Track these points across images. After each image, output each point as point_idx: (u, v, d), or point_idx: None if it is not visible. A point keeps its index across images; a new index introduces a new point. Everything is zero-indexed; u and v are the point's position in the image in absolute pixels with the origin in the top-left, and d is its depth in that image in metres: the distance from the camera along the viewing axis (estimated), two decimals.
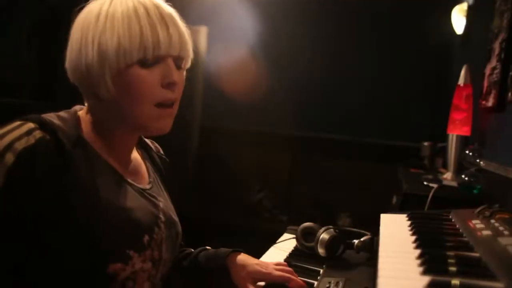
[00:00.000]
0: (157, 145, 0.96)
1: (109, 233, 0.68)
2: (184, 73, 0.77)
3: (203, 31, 3.01)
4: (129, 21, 0.67)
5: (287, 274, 0.87)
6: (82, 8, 0.72)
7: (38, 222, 0.63)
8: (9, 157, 0.61)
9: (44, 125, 0.66)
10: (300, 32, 3.18)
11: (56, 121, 0.69)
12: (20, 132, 0.64)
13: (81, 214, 0.65)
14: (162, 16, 0.69)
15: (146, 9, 0.68)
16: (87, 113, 0.75)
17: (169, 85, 0.71)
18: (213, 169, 3.25)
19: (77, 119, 0.73)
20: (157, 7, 0.70)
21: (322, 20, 3.15)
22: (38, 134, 0.64)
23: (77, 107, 0.77)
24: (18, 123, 0.65)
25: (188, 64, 0.78)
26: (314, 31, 3.15)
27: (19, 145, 0.62)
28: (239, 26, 3.24)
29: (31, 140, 0.63)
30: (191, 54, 0.76)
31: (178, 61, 0.73)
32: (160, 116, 0.72)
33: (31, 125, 0.65)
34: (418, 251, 0.68)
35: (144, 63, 0.68)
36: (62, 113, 0.73)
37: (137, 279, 0.72)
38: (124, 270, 0.69)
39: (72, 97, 0.79)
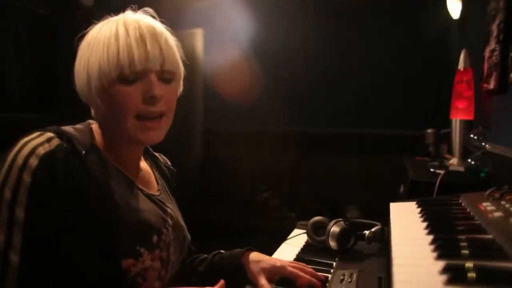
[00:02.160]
0: (164, 157, 1.01)
1: (122, 231, 0.72)
2: (177, 84, 0.81)
3: (199, 33, 3.01)
4: (108, 44, 0.73)
5: (300, 271, 0.88)
6: (84, 35, 0.78)
7: (59, 220, 0.67)
8: (33, 161, 0.67)
9: (61, 135, 0.73)
10: (297, 26, 3.17)
11: (72, 131, 0.76)
12: (41, 139, 0.70)
13: (97, 213, 0.70)
14: (142, 35, 0.74)
15: (127, 30, 0.74)
16: (97, 126, 0.82)
17: (150, 98, 0.74)
18: (217, 171, 3.25)
19: (90, 130, 0.80)
20: (139, 27, 0.74)
21: (320, 12, 3.15)
22: (56, 141, 0.71)
23: (90, 120, 0.83)
24: (38, 133, 0.72)
25: (180, 75, 0.81)
26: (312, 23, 3.14)
27: (42, 150, 0.68)
28: (235, 27, 3.24)
29: (51, 146, 0.70)
30: (179, 66, 0.80)
31: (165, 74, 0.77)
32: (144, 128, 0.75)
33: (49, 134, 0.72)
34: (430, 237, 0.67)
35: (123, 79, 0.73)
36: (78, 125, 0.80)
37: (147, 276, 0.76)
38: (135, 266, 0.73)
39: (72, 109, 0.82)
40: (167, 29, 0.79)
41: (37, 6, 2.89)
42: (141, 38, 0.73)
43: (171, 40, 0.78)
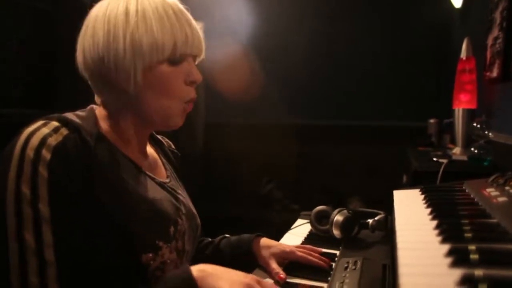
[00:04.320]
0: (167, 140, 0.98)
1: (139, 224, 0.69)
2: None
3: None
4: (160, 18, 0.69)
5: (309, 255, 0.92)
6: (95, 2, 0.73)
7: (79, 214, 0.63)
8: (46, 153, 0.62)
9: (66, 124, 0.67)
10: (297, 18, 3.16)
11: (76, 119, 0.70)
12: (47, 129, 0.64)
13: (112, 208, 0.66)
14: (187, 17, 0.73)
15: (173, 9, 0.71)
16: (101, 109, 0.77)
17: (192, 83, 0.74)
18: (220, 164, 3.25)
19: (94, 116, 0.74)
20: (181, 10, 0.73)
21: (319, 4, 3.13)
22: (64, 131, 0.65)
23: (93, 105, 0.78)
24: (43, 121, 0.66)
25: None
26: (312, 14, 3.13)
27: (52, 141, 0.63)
28: (234, 20, 3.23)
29: (60, 137, 0.64)
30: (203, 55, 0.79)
31: (196, 60, 0.77)
32: (183, 112, 0.75)
33: (55, 123, 0.66)
34: (435, 222, 0.67)
35: (172, 61, 0.71)
36: (80, 112, 0.74)
37: (165, 269, 0.73)
38: (155, 260, 0.70)
39: (72, 105, 0.80)
40: None
41: (38, 2, 2.88)
42: (188, 21, 0.72)
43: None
